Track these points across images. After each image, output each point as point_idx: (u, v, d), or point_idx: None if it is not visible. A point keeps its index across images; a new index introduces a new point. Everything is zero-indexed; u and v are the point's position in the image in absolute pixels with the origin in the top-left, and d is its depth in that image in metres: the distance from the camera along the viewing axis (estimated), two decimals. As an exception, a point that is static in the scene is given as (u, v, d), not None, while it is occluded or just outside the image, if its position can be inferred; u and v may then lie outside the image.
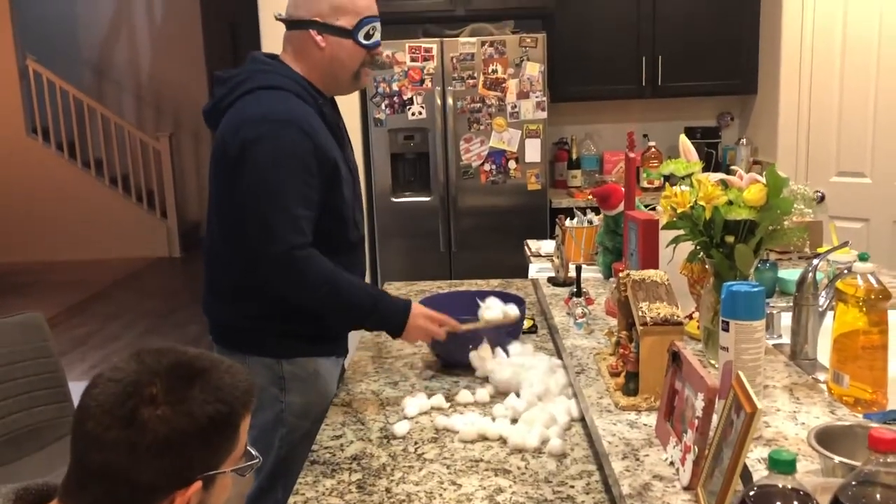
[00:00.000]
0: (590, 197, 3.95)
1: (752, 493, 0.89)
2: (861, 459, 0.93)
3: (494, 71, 3.92)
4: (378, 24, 1.84)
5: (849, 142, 3.68)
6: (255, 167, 1.68)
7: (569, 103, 4.44)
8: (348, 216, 1.84)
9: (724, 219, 1.49)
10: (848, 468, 1.04)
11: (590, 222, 2.62)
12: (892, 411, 1.35)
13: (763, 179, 1.50)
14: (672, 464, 1.22)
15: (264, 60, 1.83)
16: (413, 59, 3.92)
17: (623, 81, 4.30)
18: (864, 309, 1.40)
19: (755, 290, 1.35)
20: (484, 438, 1.57)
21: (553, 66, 4.07)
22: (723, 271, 1.52)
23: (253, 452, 1.02)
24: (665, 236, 1.69)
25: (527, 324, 2.16)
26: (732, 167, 2.77)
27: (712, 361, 1.56)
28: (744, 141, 4.38)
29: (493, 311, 1.91)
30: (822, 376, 1.54)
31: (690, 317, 1.77)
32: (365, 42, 1.81)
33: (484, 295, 2.18)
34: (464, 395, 1.77)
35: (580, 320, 1.92)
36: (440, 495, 1.37)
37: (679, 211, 1.55)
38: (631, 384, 1.49)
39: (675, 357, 1.30)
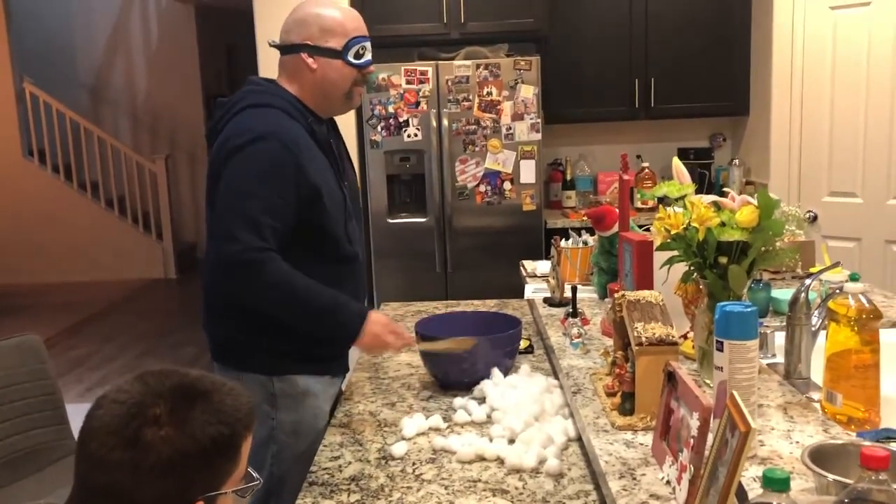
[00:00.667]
0: (584, 218, 3.98)
1: (746, 511, 0.90)
2: (854, 477, 0.95)
3: (489, 93, 3.96)
4: (367, 44, 1.88)
5: (840, 162, 3.72)
6: (230, 173, 1.73)
7: (563, 125, 4.48)
8: (338, 231, 1.86)
9: (717, 240, 1.51)
10: (841, 486, 1.05)
11: (585, 243, 2.64)
12: (885, 429, 1.37)
13: (755, 201, 1.52)
14: (668, 483, 1.23)
15: (259, 82, 1.89)
16: (409, 82, 3.96)
17: (616, 103, 4.35)
18: (856, 328, 1.42)
19: (748, 310, 1.37)
20: (482, 459, 1.58)
21: (547, 88, 4.12)
22: (716, 292, 1.54)
23: (253, 474, 1.03)
24: (659, 257, 1.72)
25: (523, 344, 2.17)
26: (725, 188, 2.80)
27: (707, 381, 1.58)
28: (736, 161, 4.42)
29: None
30: (815, 395, 1.56)
31: (685, 337, 1.79)
32: (355, 61, 1.86)
33: (480, 316, 2.20)
34: (461, 416, 1.78)
35: (576, 340, 1.94)
36: (438, 516, 1.37)
37: (673, 232, 1.57)
38: (627, 404, 1.50)
39: (671, 377, 1.31)
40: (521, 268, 3.00)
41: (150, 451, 0.90)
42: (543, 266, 2.92)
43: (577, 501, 1.40)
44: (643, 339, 1.45)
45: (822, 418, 1.45)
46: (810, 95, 3.82)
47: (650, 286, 1.85)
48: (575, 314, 2.01)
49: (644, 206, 4.35)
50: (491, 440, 1.63)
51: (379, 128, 4.00)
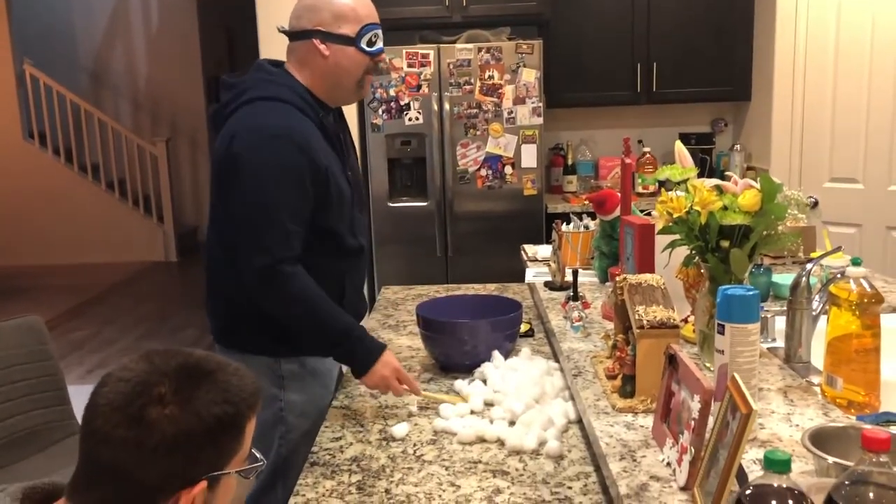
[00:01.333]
0: (586, 202, 3.97)
1: (748, 492, 0.91)
2: (854, 460, 0.95)
3: (491, 77, 3.95)
4: (379, 32, 1.85)
5: (842, 148, 3.71)
6: (248, 179, 1.70)
7: (564, 109, 4.47)
8: (343, 229, 1.85)
9: (720, 224, 1.51)
10: (841, 468, 1.06)
11: (586, 227, 2.64)
12: (885, 413, 1.37)
13: (757, 185, 1.52)
14: (669, 465, 1.24)
15: (269, 70, 1.83)
16: (410, 65, 3.94)
17: (618, 88, 4.33)
18: (857, 313, 1.42)
19: (750, 293, 1.37)
20: (482, 440, 1.59)
21: (549, 72, 4.10)
22: (718, 275, 1.54)
23: (257, 455, 1.04)
24: (661, 241, 1.72)
25: (524, 328, 2.18)
26: (727, 173, 2.80)
27: (708, 364, 1.58)
28: (738, 147, 4.41)
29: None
30: (815, 379, 1.57)
31: (686, 320, 1.79)
32: (368, 49, 1.82)
33: (481, 300, 2.21)
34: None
35: (577, 324, 1.94)
36: (439, 496, 1.38)
37: (675, 216, 1.57)
38: (628, 386, 1.51)
39: (672, 360, 1.32)
40: (522, 252, 3.00)
41: (154, 429, 0.91)
42: (544, 250, 2.92)
43: (577, 483, 1.41)
44: (644, 322, 1.46)
45: (822, 402, 1.45)
46: (812, 81, 3.80)
47: (651, 270, 1.86)
48: (576, 298, 2.01)
49: (645, 191, 4.34)
50: (492, 422, 1.63)
51: (380, 111, 3.99)
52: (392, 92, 3.96)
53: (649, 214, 2.16)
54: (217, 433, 0.95)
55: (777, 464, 0.89)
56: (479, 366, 1.90)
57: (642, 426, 1.40)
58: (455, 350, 1.95)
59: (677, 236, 1.60)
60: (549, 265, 2.50)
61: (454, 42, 4.01)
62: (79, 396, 2.54)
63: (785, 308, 1.70)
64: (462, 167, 4.03)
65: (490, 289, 2.70)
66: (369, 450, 1.58)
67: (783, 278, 2.15)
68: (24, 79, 7.81)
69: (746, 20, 4.25)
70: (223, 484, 0.98)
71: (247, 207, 1.71)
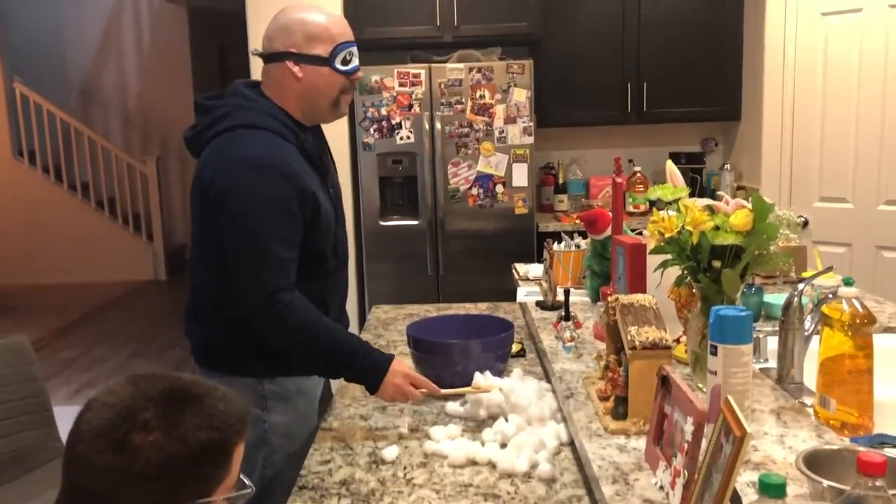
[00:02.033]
0: (577, 221, 3.98)
1: (742, 516, 0.90)
2: (849, 483, 0.94)
3: (482, 96, 3.96)
4: (354, 49, 1.83)
5: (831, 168, 3.73)
6: (238, 213, 1.69)
7: (555, 128, 4.48)
8: (328, 250, 1.84)
9: (711, 244, 1.51)
10: (836, 492, 1.05)
11: (577, 246, 2.64)
12: (879, 435, 1.36)
13: (749, 205, 1.52)
14: (662, 488, 1.22)
15: (245, 94, 1.81)
16: (401, 85, 3.95)
17: (609, 107, 4.35)
18: (850, 333, 1.41)
19: (743, 314, 1.36)
20: (473, 463, 1.57)
21: (540, 91, 4.12)
22: (710, 296, 1.54)
23: (246, 481, 1.02)
24: (652, 261, 1.71)
25: (515, 348, 2.16)
26: (719, 192, 2.80)
27: (700, 385, 1.57)
28: (728, 166, 4.43)
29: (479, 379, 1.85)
30: (808, 400, 1.56)
31: (678, 341, 1.78)
32: (342, 68, 1.80)
33: (472, 319, 2.19)
34: (452, 420, 1.77)
35: (569, 344, 1.93)
36: (430, 520, 1.36)
37: (666, 236, 1.57)
38: (620, 408, 1.49)
39: (664, 381, 1.31)
40: (514, 271, 3.00)
41: (138, 455, 0.89)
42: (536, 269, 2.91)
43: (569, 506, 1.39)
44: (636, 342, 1.45)
45: (815, 423, 1.44)
46: (801, 101, 3.83)
47: (643, 290, 1.85)
48: (567, 318, 2.00)
49: (636, 211, 4.36)
50: (483, 444, 1.62)
51: (371, 130, 3.99)
52: (384, 111, 3.96)
53: (641, 234, 2.15)
54: (203, 460, 0.93)
55: (772, 488, 0.88)
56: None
57: (635, 448, 1.39)
58: (446, 370, 1.93)
59: (669, 256, 1.60)
60: (540, 284, 2.49)
61: (445, 62, 4.03)
62: (65, 417, 2.50)
63: (777, 328, 1.69)
64: (453, 186, 4.03)
65: (481, 308, 2.69)
66: (359, 473, 1.56)
67: (775, 298, 2.15)
68: (14, 97, 7.79)
69: (736, 40, 4.28)
70: (209, 510, 0.96)
71: (240, 241, 1.70)
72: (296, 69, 1.78)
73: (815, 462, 1.16)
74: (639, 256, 1.87)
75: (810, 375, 1.58)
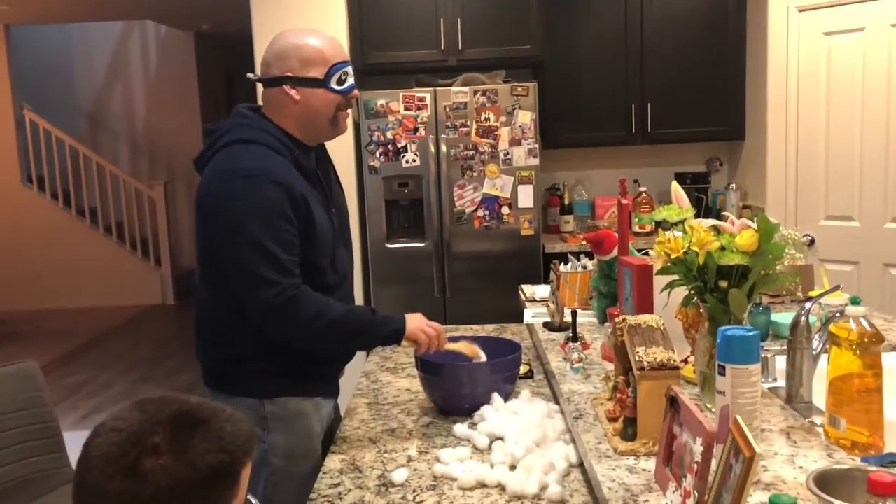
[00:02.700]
0: (583, 242, 3.98)
1: (753, 537, 0.89)
2: (860, 503, 0.94)
3: (487, 119, 3.98)
4: (349, 69, 1.88)
5: (836, 186, 3.74)
6: (232, 221, 1.72)
7: (560, 150, 4.50)
8: (325, 264, 1.86)
9: (718, 264, 1.51)
10: (847, 512, 1.04)
11: (584, 267, 2.64)
12: (890, 454, 1.36)
13: (754, 225, 1.52)
14: (672, 509, 1.22)
15: (245, 114, 1.88)
16: (407, 108, 3.98)
17: (613, 128, 4.37)
18: (858, 352, 1.41)
19: (750, 334, 1.36)
20: (482, 485, 1.56)
21: (544, 113, 4.14)
22: (717, 316, 1.54)
23: (253, 501, 1.02)
24: (659, 281, 1.71)
25: (523, 369, 2.16)
26: (724, 213, 2.81)
27: (709, 406, 1.57)
28: (733, 186, 4.44)
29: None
30: (818, 419, 1.55)
31: (686, 361, 1.78)
32: (338, 88, 1.85)
33: (480, 341, 2.19)
34: (461, 442, 1.76)
35: (577, 365, 1.93)
36: (440, 544, 1.36)
37: (673, 256, 1.57)
38: (629, 429, 1.49)
39: (673, 401, 1.31)
40: (521, 292, 3.00)
41: (148, 480, 0.89)
42: (543, 290, 2.91)
43: (579, 529, 1.39)
44: (645, 363, 1.45)
45: (825, 443, 1.44)
46: (805, 120, 3.84)
47: (650, 310, 1.85)
48: (575, 339, 2.00)
49: (642, 231, 4.36)
50: (492, 466, 1.61)
51: (377, 153, 4.01)
52: (389, 135, 3.99)
53: (647, 254, 2.16)
54: (212, 482, 0.93)
55: (783, 509, 0.88)
56: (478, 409, 1.89)
57: (645, 470, 1.38)
58: (454, 393, 1.93)
59: (675, 277, 1.60)
60: (547, 305, 2.49)
61: (450, 85, 4.06)
62: (73, 443, 2.50)
63: (785, 347, 1.69)
64: (459, 208, 4.05)
65: (489, 329, 2.69)
66: (368, 496, 1.56)
67: (783, 317, 2.15)
68: (24, 123, 7.87)
69: (739, 60, 4.31)
70: (219, 533, 0.96)
71: (236, 248, 1.72)
72: (293, 92, 1.83)
73: (825, 482, 1.15)
74: (645, 277, 1.87)
75: (819, 395, 1.57)
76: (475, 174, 4.02)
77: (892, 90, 3.49)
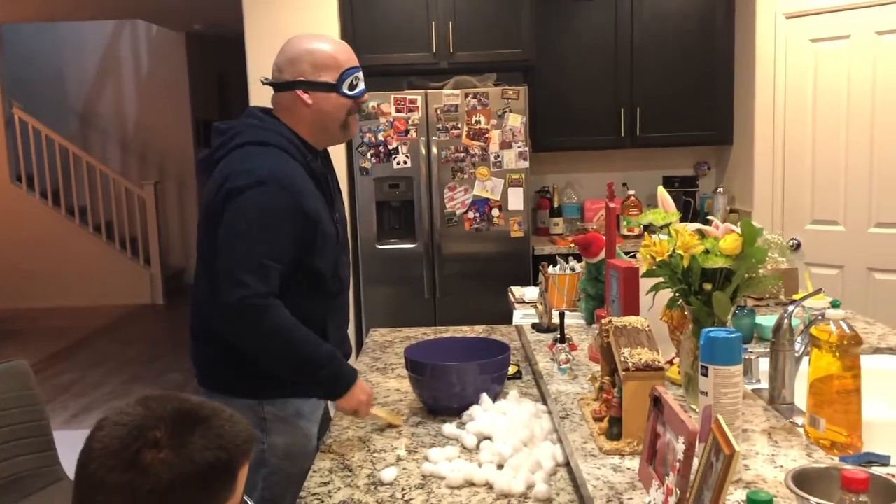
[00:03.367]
0: (572, 244, 4.02)
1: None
2: (835, 500, 0.97)
3: (478, 122, 4.01)
4: (360, 74, 1.91)
5: (822, 191, 3.78)
6: (233, 217, 1.74)
7: (550, 153, 4.53)
8: (327, 271, 1.88)
9: (702, 267, 1.54)
10: (824, 509, 1.07)
11: (572, 269, 2.67)
12: (867, 454, 1.39)
13: (738, 229, 1.56)
14: (655, 507, 1.25)
15: (259, 116, 1.89)
16: (398, 110, 4.00)
17: (603, 132, 4.41)
18: (838, 354, 1.45)
19: (732, 335, 1.39)
20: (470, 484, 1.59)
21: (534, 117, 4.18)
22: (701, 318, 1.57)
23: (249, 502, 1.04)
24: (645, 283, 1.75)
25: (511, 370, 2.19)
26: (709, 216, 2.84)
27: (693, 406, 1.60)
28: (721, 190, 4.48)
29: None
30: (799, 420, 1.59)
31: (671, 362, 1.81)
32: (349, 93, 1.88)
33: (469, 342, 2.22)
34: (449, 441, 1.79)
35: (564, 366, 1.96)
36: (428, 540, 1.38)
37: (658, 259, 1.60)
38: (614, 429, 1.52)
39: (657, 402, 1.34)
40: (510, 294, 3.03)
41: (148, 474, 0.91)
42: (531, 292, 2.94)
43: (565, 526, 1.42)
44: (630, 364, 1.48)
45: (805, 443, 1.47)
46: (792, 125, 3.89)
47: (636, 312, 1.88)
48: (563, 340, 2.03)
49: (630, 234, 4.40)
50: (480, 465, 1.64)
51: (369, 155, 4.03)
52: (380, 136, 4.02)
53: (634, 256, 2.19)
54: (210, 479, 0.95)
55: (760, 504, 0.91)
56: (467, 408, 1.91)
57: (629, 468, 1.41)
58: (443, 393, 1.96)
59: (661, 279, 1.63)
60: (536, 307, 2.52)
61: (441, 88, 4.08)
62: (64, 442, 2.52)
63: (768, 349, 1.72)
64: (450, 210, 4.08)
65: (478, 331, 2.72)
66: (358, 494, 1.58)
67: (767, 320, 2.18)
68: (13, 122, 7.84)
69: (727, 66, 4.35)
70: (214, 529, 0.99)
71: (228, 243, 1.74)
72: (305, 96, 1.86)
73: (803, 480, 1.19)
74: (632, 280, 1.91)
75: (801, 396, 1.61)
76: (466, 176, 4.05)
77: (877, 97, 3.54)
